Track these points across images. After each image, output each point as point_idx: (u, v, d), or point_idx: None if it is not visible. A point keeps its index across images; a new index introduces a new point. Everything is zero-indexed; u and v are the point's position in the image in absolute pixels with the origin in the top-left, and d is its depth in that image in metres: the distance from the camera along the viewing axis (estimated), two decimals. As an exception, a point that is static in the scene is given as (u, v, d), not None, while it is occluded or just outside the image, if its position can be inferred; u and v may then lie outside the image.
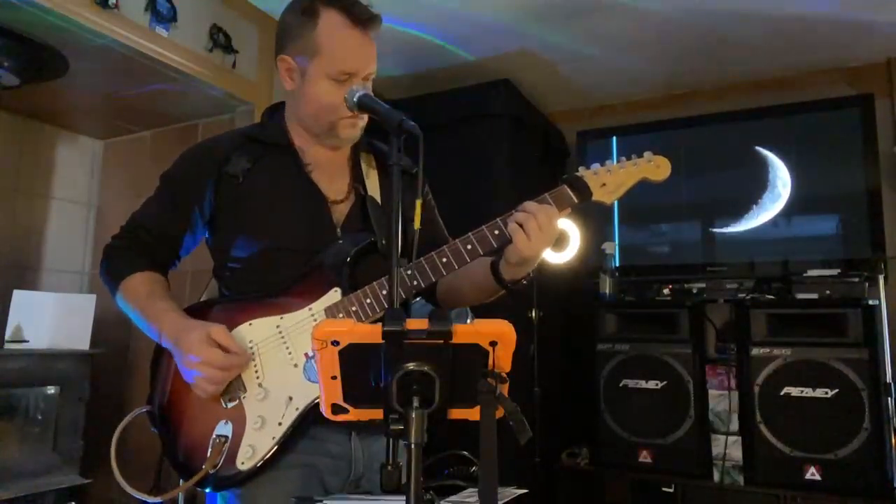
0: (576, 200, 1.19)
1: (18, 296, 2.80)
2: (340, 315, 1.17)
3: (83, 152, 3.56)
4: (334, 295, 1.19)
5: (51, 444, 2.75)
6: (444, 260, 1.15)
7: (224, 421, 1.15)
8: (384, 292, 1.15)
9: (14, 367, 2.63)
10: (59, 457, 2.74)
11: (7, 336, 2.72)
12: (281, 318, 1.19)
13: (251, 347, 1.18)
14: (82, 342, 2.87)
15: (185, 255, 1.36)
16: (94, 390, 2.91)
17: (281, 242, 1.25)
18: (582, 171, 1.20)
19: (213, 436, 1.14)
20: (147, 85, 2.82)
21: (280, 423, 1.14)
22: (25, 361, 2.67)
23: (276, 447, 1.13)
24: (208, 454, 1.13)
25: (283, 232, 1.25)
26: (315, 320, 1.18)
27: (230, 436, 1.14)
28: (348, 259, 1.21)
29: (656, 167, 1.23)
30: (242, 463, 1.13)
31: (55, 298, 2.91)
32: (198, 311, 1.25)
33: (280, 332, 1.19)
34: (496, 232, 1.15)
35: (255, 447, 1.13)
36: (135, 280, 1.26)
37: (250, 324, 1.20)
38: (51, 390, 2.79)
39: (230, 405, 1.16)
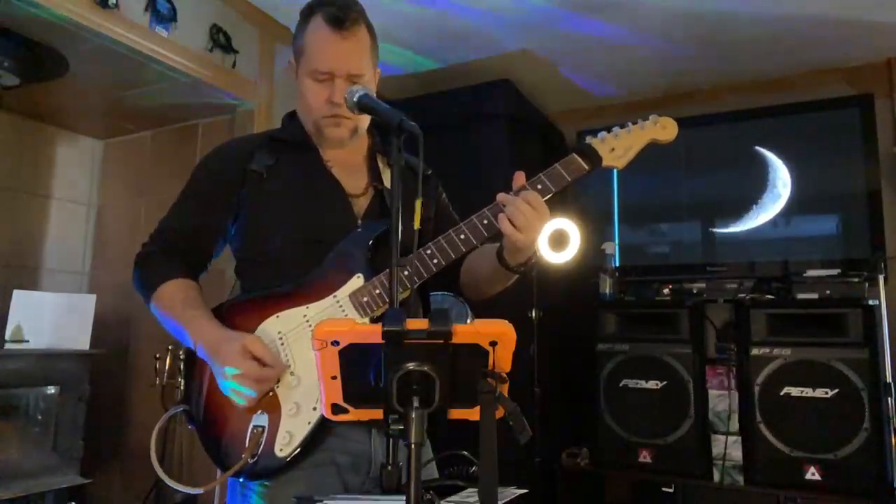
0: (586, 167, 1.23)
1: (18, 296, 2.81)
2: (365, 299, 1.20)
3: (83, 152, 3.56)
4: (357, 281, 1.22)
5: (51, 444, 2.75)
6: (431, 252, 1.20)
7: (260, 412, 1.18)
8: (406, 273, 1.18)
9: (14, 367, 2.63)
10: (59, 457, 2.74)
11: (7, 336, 2.72)
12: (307, 307, 1.22)
13: (280, 339, 1.21)
14: (82, 342, 2.87)
15: (216, 258, 1.38)
16: (94, 390, 2.91)
17: (304, 234, 1.27)
18: (590, 140, 1.24)
19: (251, 426, 1.17)
20: (147, 85, 2.82)
21: (315, 408, 1.16)
22: (25, 361, 2.67)
23: (313, 432, 1.15)
24: (246, 445, 1.15)
25: (307, 224, 1.28)
26: (340, 307, 1.21)
27: (266, 426, 1.16)
28: (368, 244, 1.24)
29: (663, 128, 1.26)
30: (281, 450, 1.15)
31: (55, 298, 2.91)
32: (226, 311, 1.27)
33: (307, 321, 1.21)
34: (485, 222, 1.19)
35: (293, 433, 1.16)
36: (168, 288, 1.27)
37: (278, 316, 1.22)
38: (51, 390, 2.79)
39: (265, 397, 1.18)
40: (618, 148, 1.24)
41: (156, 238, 1.34)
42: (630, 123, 1.25)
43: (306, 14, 1.30)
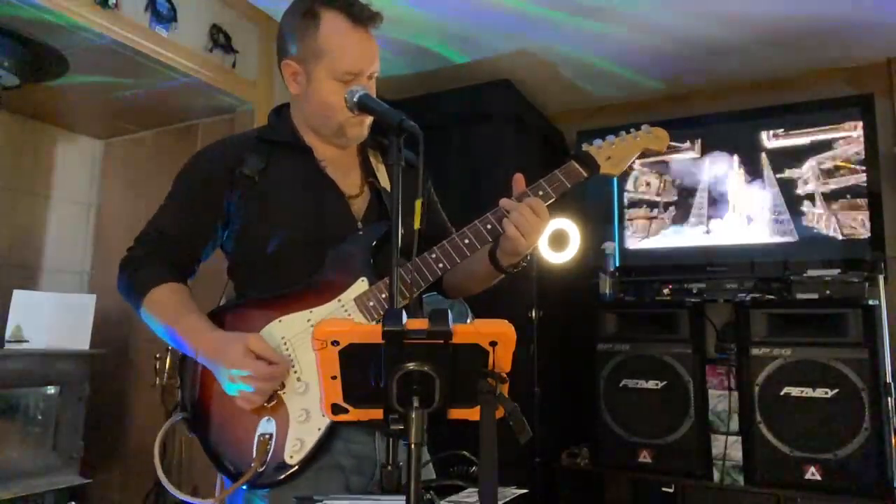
0: (585, 174, 1.27)
1: (18, 296, 2.80)
2: (371, 303, 1.19)
3: (83, 152, 3.56)
4: (362, 284, 1.20)
5: (51, 444, 2.75)
6: (436, 257, 1.20)
7: (266, 418, 1.15)
8: (409, 278, 1.18)
9: (14, 367, 2.63)
10: (59, 457, 2.74)
11: (7, 336, 2.72)
12: (311, 311, 1.20)
13: (284, 343, 1.18)
14: (82, 342, 2.87)
15: (204, 261, 1.34)
16: (94, 390, 2.91)
17: (304, 236, 1.25)
18: (587, 147, 1.28)
19: (257, 434, 1.14)
20: (147, 85, 2.82)
21: (324, 414, 1.13)
22: (25, 361, 2.67)
23: (323, 437, 1.14)
24: (254, 453, 1.13)
25: (306, 226, 1.25)
26: (345, 310, 1.19)
27: (274, 433, 1.14)
28: (371, 247, 1.23)
29: (655, 138, 1.32)
30: (291, 456, 1.13)
31: (55, 298, 2.91)
32: (225, 315, 1.24)
33: (311, 325, 1.19)
34: (489, 227, 1.21)
35: (304, 440, 1.14)
36: (159, 293, 1.23)
37: (280, 320, 1.19)
38: (51, 390, 2.79)
39: (270, 403, 1.16)
40: (614, 156, 1.29)
41: (142, 241, 1.30)
42: (623, 132, 1.31)
43: (310, 13, 1.24)
